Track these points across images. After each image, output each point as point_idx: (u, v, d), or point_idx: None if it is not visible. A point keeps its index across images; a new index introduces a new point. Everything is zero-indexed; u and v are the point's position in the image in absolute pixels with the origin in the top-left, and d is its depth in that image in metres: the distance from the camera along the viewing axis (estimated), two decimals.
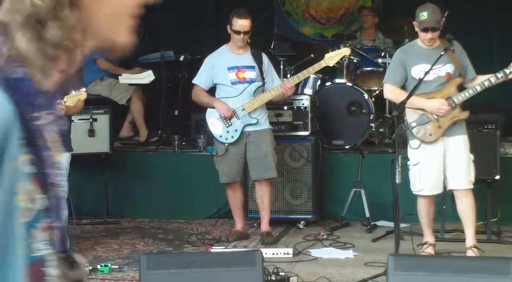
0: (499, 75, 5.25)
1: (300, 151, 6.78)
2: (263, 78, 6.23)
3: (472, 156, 5.39)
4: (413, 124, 5.39)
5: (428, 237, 5.57)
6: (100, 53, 1.27)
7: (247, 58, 6.24)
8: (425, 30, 5.35)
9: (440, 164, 5.39)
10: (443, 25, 5.42)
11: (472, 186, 5.38)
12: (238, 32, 6.13)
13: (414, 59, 5.43)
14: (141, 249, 6.09)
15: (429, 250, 5.50)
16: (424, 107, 5.39)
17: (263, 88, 6.24)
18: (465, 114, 5.38)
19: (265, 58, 6.31)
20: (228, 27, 6.20)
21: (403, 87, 5.51)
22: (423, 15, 5.32)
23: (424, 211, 5.51)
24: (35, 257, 1.13)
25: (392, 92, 5.55)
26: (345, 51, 6.25)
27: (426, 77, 5.33)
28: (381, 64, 7.78)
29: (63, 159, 5.40)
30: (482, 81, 5.31)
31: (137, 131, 8.36)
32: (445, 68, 5.37)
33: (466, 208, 5.39)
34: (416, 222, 6.70)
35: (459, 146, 5.38)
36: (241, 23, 6.12)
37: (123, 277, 5.25)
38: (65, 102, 5.14)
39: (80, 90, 5.17)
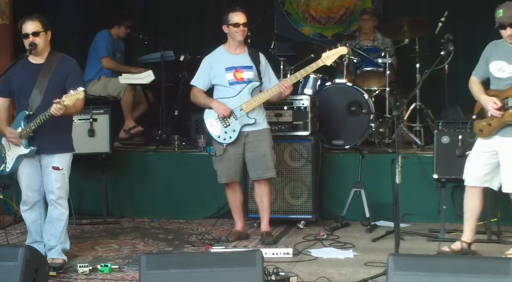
0: None
1: (300, 151, 6.78)
2: (260, 78, 6.22)
3: None
4: (474, 116, 5.55)
5: (464, 233, 5.60)
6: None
7: (244, 58, 6.23)
8: (502, 27, 5.34)
9: (485, 159, 5.43)
10: None
11: None
12: (237, 25, 6.12)
13: (495, 55, 5.44)
14: (141, 249, 6.09)
15: (455, 247, 5.53)
16: (479, 100, 5.51)
17: (260, 88, 6.23)
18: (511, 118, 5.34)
19: (262, 58, 6.30)
20: (224, 27, 6.19)
21: (488, 81, 5.55)
22: (499, 12, 5.34)
23: (465, 203, 5.58)
24: None
25: (470, 85, 5.62)
26: (342, 50, 6.23)
27: (500, 74, 5.40)
28: (381, 64, 7.78)
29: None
30: None
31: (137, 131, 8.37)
32: None
33: None
34: (415, 222, 6.74)
35: (507, 148, 5.35)
36: (240, 17, 6.13)
37: (123, 277, 5.25)
38: (63, 101, 5.14)
39: (78, 89, 5.16)
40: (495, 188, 5.51)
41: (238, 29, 6.13)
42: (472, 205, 5.54)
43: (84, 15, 9.22)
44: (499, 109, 5.32)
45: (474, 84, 5.57)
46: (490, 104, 5.37)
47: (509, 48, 5.41)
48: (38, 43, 5.37)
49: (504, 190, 5.44)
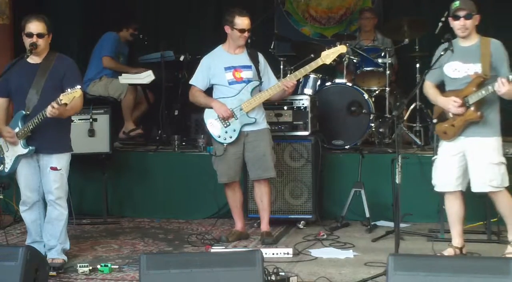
0: (495, 84, 5.15)
1: (300, 151, 6.78)
2: (260, 78, 6.22)
3: (498, 159, 5.30)
4: (435, 120, 5.49)
5: (453, 239, 5.58)
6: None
7: (243, 58, 6.23)
8: (456, 18, 5.30)
9: (454, 163, 5.38)
10: (478, 18, 5.34)
11: (488, 189, 5.33)
12: (243, 31, 6.13)
13: (448, 56, 5.38)
14: (141, 249, 6.09)
15: (447, 254, 5.50)
16: (438, 103, 5.46)
17: (260, 87, 6.23)
18: (475, 115, 5.26)
19: (261, 57, 6.30)
20: (227, 27, 6.18)
21: (442, 84, 5.49)
22: (456, 4, 5.32)
23: (447, 208, 5.56)
24: None
25: (425, 90, 5.57)
26: (341, 48, 6.23)
27: (456, 74, 5.35)
28: (381, 64, 7.79)
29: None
30: (493, 83, 5.17)
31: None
32: (475, 68, 5.29)
33: (498, 207, 5.43)
34: (415, 222, 6.73)
35: (474, 147, 5.31)
36: (246, 22, 6.13)
37: (123, 277, 5.25)
38: (61, 100, 5.12)
39: (75, 87, 5.14)
40: (464, 189, 5.46)
41: (243, 35, 6.14)
42: (454, 210, 5.52)
43: (85, 15, 9.22)
44: (460, 106, 5.27)
45: (429, 88, 5.52)
46: (451, 103, 5.31)
47: (462, 48, 5.38)
48: (40, 44, 5.35)
49: (473, 190, 5.41)
